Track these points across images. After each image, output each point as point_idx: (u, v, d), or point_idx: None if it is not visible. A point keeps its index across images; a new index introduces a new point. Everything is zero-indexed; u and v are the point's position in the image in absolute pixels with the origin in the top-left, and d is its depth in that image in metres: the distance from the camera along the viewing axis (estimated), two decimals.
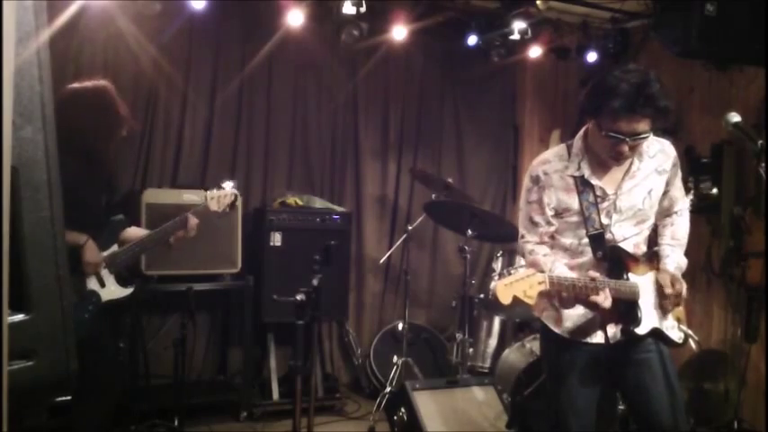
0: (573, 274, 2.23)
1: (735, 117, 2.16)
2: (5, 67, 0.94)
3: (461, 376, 3.96)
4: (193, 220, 3.10)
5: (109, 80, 3.03)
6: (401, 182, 5.25)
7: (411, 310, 4.64)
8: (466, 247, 4.07)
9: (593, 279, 2.16)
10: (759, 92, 4.04)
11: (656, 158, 2.35)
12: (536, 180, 2.34)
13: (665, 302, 2.31)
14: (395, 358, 4.40)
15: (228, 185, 3.24)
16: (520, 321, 4.42)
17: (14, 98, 0.99)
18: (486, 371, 4.36)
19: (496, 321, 4.55)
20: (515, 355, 4.04)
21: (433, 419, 3.51)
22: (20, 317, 1.05)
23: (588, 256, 2.32)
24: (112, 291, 2.90)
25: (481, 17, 4.63)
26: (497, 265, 4.34)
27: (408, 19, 4.48)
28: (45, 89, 1.07)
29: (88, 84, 2.90)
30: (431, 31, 4.81)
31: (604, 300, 2.15)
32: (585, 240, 2.31)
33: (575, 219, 2.31)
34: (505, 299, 2.02)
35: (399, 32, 4.51)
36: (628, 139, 2.11)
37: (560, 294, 2.18)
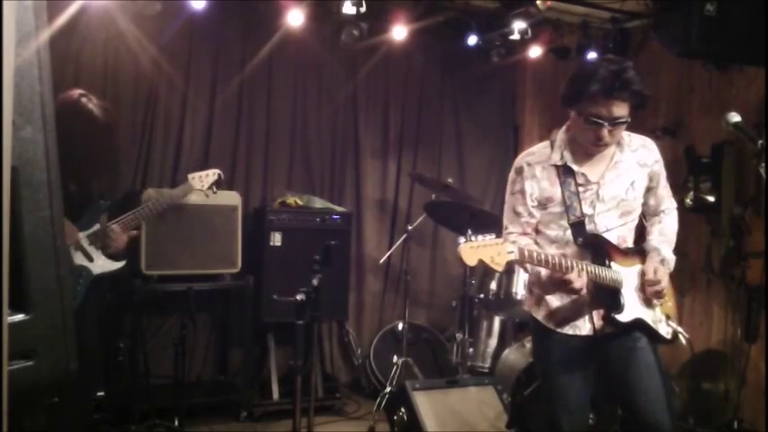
0: (551, 251, 2.27)
1: (735, 117, 2.17)
2: (5, 67, 0.94)
3: (461, 376, 3.96)
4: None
5: (109, 81, 3.02)
6: (401, 182, 5.24)
7: (411, 310, 4.64)
8: None
9: (565, 256, 2.20)
10: (759, 92, 4.04)
11: (639, 152, 2.43)
12: (519, 171, 2.40)
13: (648, 291, 2.33)
14: (395, 358, 4.40)
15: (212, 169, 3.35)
16: (520, 321, 4.42)
17: (14, 98, 0.99)
18: (486, 371, 4.35)
19: (496, 321, 4.54)
20: (515, 355, 4.04)
21: (433, 419, 3.50)
22: (20, 317, 1.05)
23: (574, 245, 2.35)
24: (102, 264, 2.89)
25: (481, 17, 4.63)
26: None
27: (408, 19, 4.48)
28: (45, 89, 1.07)
29: (98, 106, 2.83)
30: (431, 31, 4.81)
31: (577, 279, 2.17)
32: (570, 230, 2.34)
33: (557, 209, 2.35)
34: (471, 260, 2.03)
35: (399, 32, 4.51)
36: (606, 124, 2.20)
37: (523, 267, 2.16)
